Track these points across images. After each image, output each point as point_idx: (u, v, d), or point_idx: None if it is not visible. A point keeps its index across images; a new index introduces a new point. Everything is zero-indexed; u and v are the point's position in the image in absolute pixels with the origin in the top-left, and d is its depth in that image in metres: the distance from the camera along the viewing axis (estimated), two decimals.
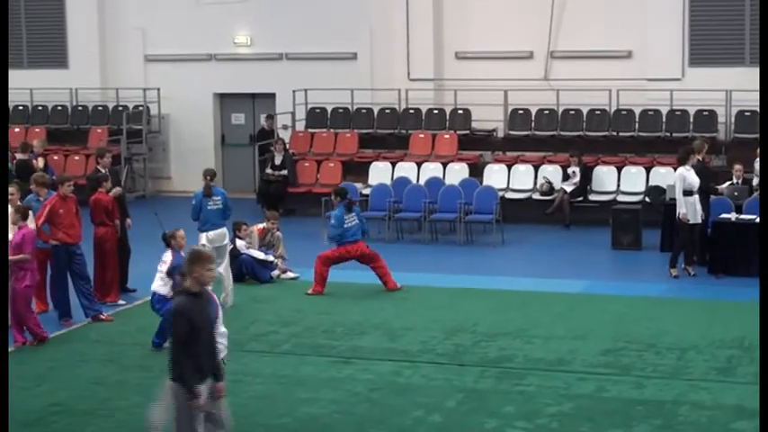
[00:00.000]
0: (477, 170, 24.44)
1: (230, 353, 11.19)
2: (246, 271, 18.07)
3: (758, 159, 20.52)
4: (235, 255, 17.85)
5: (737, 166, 20.72)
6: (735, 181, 20.54)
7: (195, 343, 8.84)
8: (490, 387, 12.39)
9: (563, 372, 12.85)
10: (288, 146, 25.67)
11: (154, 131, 28.38)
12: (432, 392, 12.18)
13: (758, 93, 23.43)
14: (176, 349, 8.86)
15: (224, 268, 16.22)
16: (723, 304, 16.33)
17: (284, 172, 24.79)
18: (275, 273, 18.26)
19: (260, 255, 18.28)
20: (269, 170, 25.01)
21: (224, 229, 16.78)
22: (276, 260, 18.46)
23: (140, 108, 27.85)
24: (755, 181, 20.57)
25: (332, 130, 26.50)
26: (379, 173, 24.61)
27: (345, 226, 17.29)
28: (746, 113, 24.08)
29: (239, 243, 18.12)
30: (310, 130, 26.65)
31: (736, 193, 20.08)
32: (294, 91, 26.56)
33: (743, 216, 18.96)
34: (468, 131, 25.77)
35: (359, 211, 17.88)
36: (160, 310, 13.75)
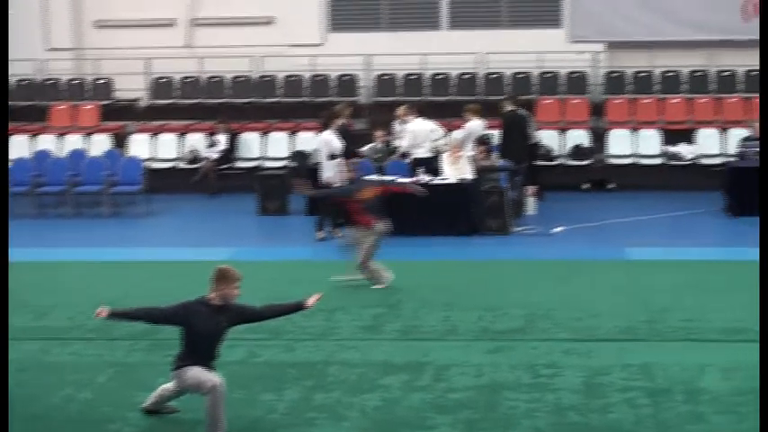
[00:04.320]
0: (121, 141, 24.08)
1: None
2: None
3: (399, 121, 21.14)
4: None
5: (378, 132, 21.28)
6: (376, 144, 21.09)
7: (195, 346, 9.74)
8: (141, 360, 12.22)
9: None
10: None
11: None
12: (82, 369, 11.89)
13: (396, 56, 24.24)
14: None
15: None
16: None
17: None
18: None
19: None
20: None
21: None
22: None
23: None
24: (396, 142, 21.19)
25: None
26: (19, 146, 23.87)
27: None
28: (385, 77, 24.78)
29: None
30: None
31: (378, 156, 20.62)
32: None
33: (384, 178, 19.46)
34: (110, 102, 25.32)
35: None
36: None
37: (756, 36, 24.01)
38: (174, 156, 23.98)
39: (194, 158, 23.58)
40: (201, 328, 9.72)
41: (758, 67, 24.18)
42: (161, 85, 25.40)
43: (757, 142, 20.74)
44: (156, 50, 24.94)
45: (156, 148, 24.03)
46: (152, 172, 22.66)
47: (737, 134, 22.26)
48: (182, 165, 23.80)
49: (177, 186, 23.20)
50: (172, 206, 21.95)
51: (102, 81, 25.41)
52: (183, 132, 24.32)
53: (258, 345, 12.55)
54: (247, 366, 11.82)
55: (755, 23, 24.20)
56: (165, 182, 22.98)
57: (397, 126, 21.33)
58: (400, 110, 21.16)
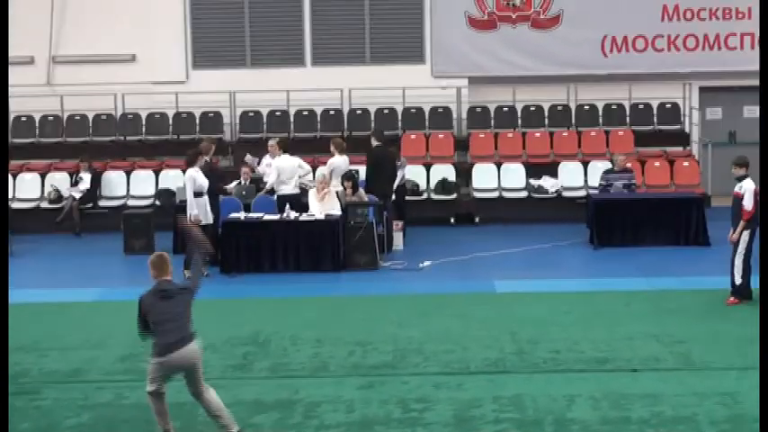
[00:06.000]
0: None
1: None
2: None
3: (267, 156, 21.02)
4: None
5: (245, 169, 21.18)
6: (242, 181, 20.99)
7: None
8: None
9: (80, 382, 12.57)
10: None
11: None
12: None
13: (261, 93, 24.21)
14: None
15: None
16: (236, 302, 16.62)
17: None
18: None
19: None
20: None
21: None
22: None
23: None
24: (259, 169, 21.11)
25: None
26: None
27: None
28: (250, 114, 24.70)
29: None
30: None
31: (244, 193, 20.53)
32: None
33: (251, 215, 19.40)
34: None
35: None
36: None
37: (615, 71, 24.70)
38: (36, 195, 23.53)
39: (57, 198, 23.17)
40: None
41: (617, 102, 24.79)
42: (21, 124, 24.93)
43: (618, 174, 21.16)
44: (16, 89, 24.46)
45: (18, 188, 23.56)
46: (12, 212, 22.17)
47: (599, 167, 22.65)
48: (44, 204, 23.36)
49: (40, 227, 22.71)
50: (35, 247, 21.50)
51: None
52: (45, 172, 23.89)
53: (126, 386, 12.34)
54: (116, 408, 11.61)
55: (614, 58, 24.77)
56: (26, 222, 22.50)
57: (266, 159, 21.20)
58: (272, 142, 21.00)
